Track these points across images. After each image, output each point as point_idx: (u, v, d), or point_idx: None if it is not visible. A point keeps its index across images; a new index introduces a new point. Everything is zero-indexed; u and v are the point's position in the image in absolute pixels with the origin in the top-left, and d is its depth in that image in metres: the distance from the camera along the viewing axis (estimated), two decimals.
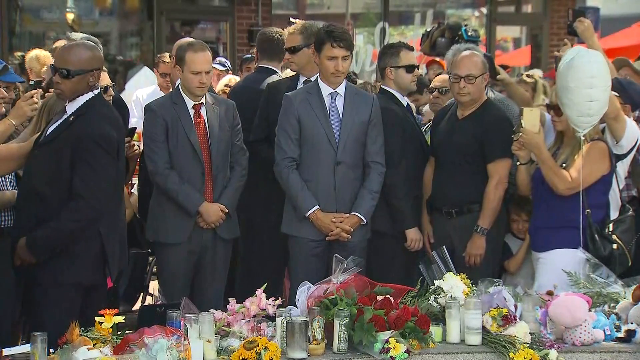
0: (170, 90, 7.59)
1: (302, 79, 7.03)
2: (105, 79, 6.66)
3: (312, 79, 6.82)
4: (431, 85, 7.57)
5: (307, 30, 6.96)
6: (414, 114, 7.33)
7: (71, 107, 5.53)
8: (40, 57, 9.37)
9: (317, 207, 6.25)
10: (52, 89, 6.00)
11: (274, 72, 7.42)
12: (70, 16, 13.92)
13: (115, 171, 5.48)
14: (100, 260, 5.48)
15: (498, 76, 7.41)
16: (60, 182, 5.36)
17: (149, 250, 7.17)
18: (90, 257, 5.44)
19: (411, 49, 6.85)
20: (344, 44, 6.26)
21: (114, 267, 5.57)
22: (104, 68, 6.81)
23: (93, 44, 5.76)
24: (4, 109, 5.84)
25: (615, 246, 6.10)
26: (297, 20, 7.27)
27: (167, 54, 9.27)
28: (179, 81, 7.35)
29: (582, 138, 6.07)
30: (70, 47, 5.66)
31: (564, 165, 6.13)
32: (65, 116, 5.53)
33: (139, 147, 6.77)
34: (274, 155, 6.40)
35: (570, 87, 5.98)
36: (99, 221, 5.42)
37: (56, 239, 5.38)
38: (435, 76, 8.14)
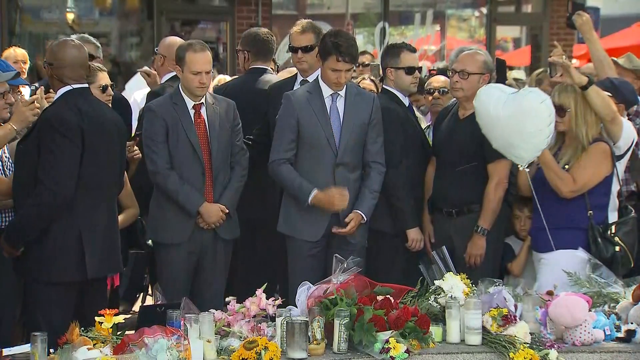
0: (159, 84, 7.62)
1: (299, 78, 7.02)
2: (104, 78, 6.66)
3: (310, 78, 6.82)
4: (430, 87, 7.56)
5: (317, 29, 6.95)
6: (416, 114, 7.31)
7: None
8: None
9: (315, 190, 6.21)
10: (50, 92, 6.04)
11: (266, 72, 7.42)
12: (70, 16, 13.93)
13: (77, 156, 5.38)
14: (78, 258, 5.42)
15: (506, 82, 7.44)
16: (35, 173, 5.38)
17: (149, 250, 7.16)
18: (65, 254, 5.40)
19: (413, 50, 6.83)
20: (349, 59, 6.24)
21: (93, 266, 5.46)
22: (104, 68, 6.82)
23: (74, 41, 5.70)
24: (8, 114, 5.85)
25: (617, 248, 6.09)
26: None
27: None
28: (165, 77, 7.35)
29: (527, 170, 6.06)
30: None
31: (566, 167, 6.12)
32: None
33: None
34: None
35: (531, 132, 5.94)
36: (62, 204, 5.34)
37: (24, 226, 5.40)
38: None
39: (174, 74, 7.37)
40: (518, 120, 5.93)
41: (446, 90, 7.24)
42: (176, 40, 7.69)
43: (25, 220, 5.41)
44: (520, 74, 15.28)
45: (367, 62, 9.69)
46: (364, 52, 10.58)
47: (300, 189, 6.25)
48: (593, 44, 7.25)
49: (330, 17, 15.61)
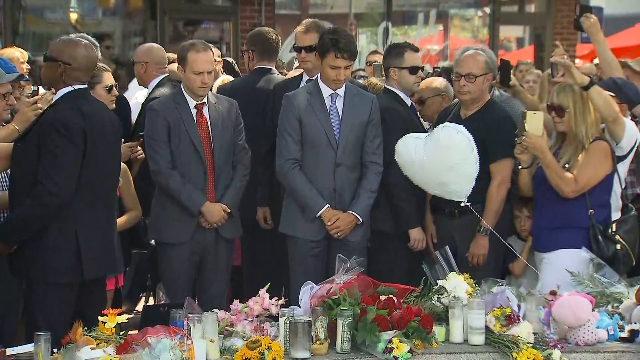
0: (146, 90, 7.62)
1: (305, 78, 7.02)
2: (109, 78, 6.67)
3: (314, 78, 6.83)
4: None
5: (322, 29, 6.95)
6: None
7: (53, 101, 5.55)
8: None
9: (327, 205, 6.24)
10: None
11: (270, 72, 7.43)
12: (73, 16, 13.95)
13: (79, 158, 5.33)
14: (74, 258, 5.38)
15: (510, 82, 7.42)
16: (34, 173, 5.34)
17: (152, 250, 7.16)
18: (62, 254, 5.36)
19: (416, 49, 6.83)
20: (348, 55, 6.24)
21: (89, 266, 5.42)
22: (108, 68, 6.83)
23: (85, 42, 5.67)
24: (9, 116, 5.84)
25: (618, 246, 6.08)
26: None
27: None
28: (152, 83, 7.31)
29: (469, 204, 6.16)
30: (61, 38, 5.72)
31: (566, 166, 6.12)
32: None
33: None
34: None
35: (458, 163, 6.03)
36: (61, 206, 5.31)
37: (20, 226, 5.36)
38: None
39: (160, 78, 7.40)
40: (441, 157, 6.03)
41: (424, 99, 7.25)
42: (152, 45, 7.72)
43: (23, 220, 5.37)
44: None
45: (379, 62, 9.66)
46: (375, 52, 10.57)
47: (312, 199, 6.25)
48: (601, 45, 7.22)
49: (333, 17, 15.61)
